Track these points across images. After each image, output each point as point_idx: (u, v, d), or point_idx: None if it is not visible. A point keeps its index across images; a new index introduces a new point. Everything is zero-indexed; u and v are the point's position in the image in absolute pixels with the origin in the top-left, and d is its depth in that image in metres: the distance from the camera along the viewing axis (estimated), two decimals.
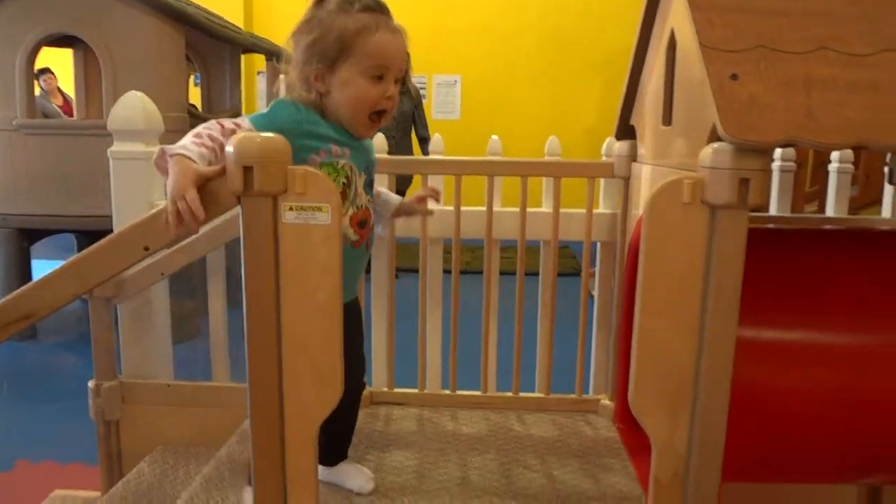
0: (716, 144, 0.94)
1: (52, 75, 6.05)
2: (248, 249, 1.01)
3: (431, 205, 1.50)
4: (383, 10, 1.20)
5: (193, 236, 1.71)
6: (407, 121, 4.71)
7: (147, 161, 1.74)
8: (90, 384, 1.80)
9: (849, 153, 1.89)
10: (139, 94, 1.83)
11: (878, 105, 0.93)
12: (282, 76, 1.32)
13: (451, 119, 7.53)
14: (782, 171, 1.88)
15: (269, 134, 0.99)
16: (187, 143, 1.03)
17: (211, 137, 1.06)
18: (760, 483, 1.51)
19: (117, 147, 1.79)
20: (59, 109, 5.88)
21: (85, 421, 1.83)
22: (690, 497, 1.04)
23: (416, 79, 7.34)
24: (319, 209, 1.00)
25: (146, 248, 1.07)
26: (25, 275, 3.82)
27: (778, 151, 2.01)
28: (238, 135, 0.99)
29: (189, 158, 1.00)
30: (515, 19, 7.32)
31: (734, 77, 0.96)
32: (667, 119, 1.30)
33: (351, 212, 1.21)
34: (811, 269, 1.21)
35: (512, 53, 7.34)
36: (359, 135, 1.23)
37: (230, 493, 1.39)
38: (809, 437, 1.20)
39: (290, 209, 1.00)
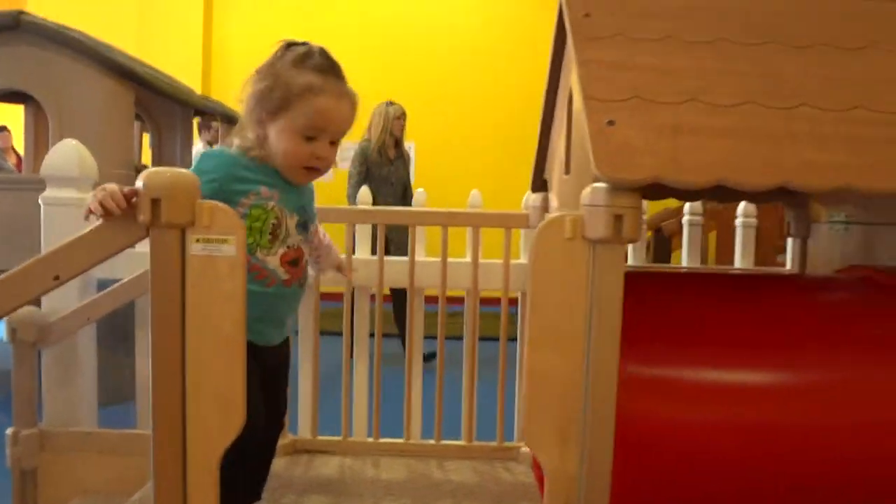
0: (594, 184, 1.02)
1: (7, 133, 6.05)
2: (156, 279, 1.06)
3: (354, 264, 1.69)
4: (334, 73, 1.25)
5: (118, 283, 1.73)
6: (406, 187, 4.62)
7: (79, 208, 1.77)
8: (8, 432, 1.78)
9: (753, 208, 2.01)
10: (74, 141, 1.87)
11: (735, 148, 1.02)
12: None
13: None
14: (691, 224, 1.99)
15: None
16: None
17: None
18: None
19: (49, 193, 1.82)
20: (13, 167, 5.86)
21: (3, 473, 1.80)
22: None
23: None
24: (225, 241, 1.05)
25: (56, 278, 1.10)
26: None
27: (741, 207, 2.07)
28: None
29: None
30: (468, 86, 7.56)
31: (610, 123, 1.05)
32: (567, 168, 1.39)
33: (281, 251, 1.26)
34: (700, 310, 1.29)
35: (464, 120, 7.56)
36: (295, 183, 1.29)
37: None
38: (706, 474, 1.25)
39: (197, 241, 1.05)
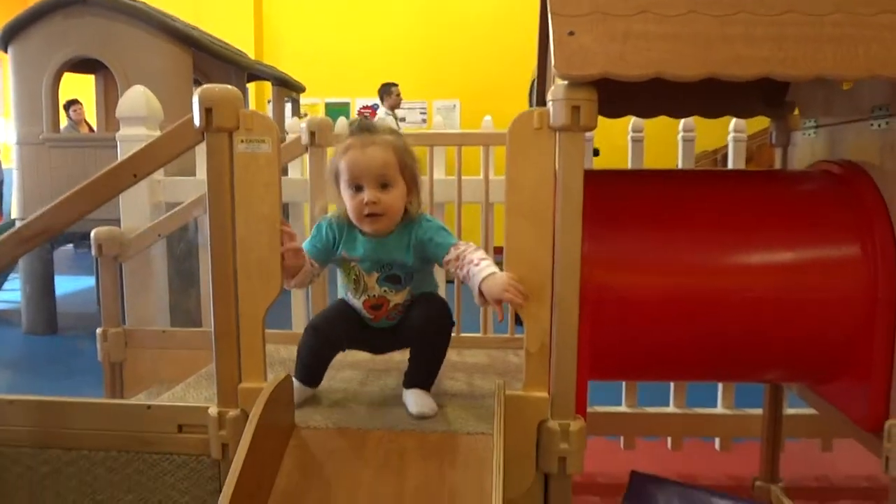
0: (555, 82, 1.25)
1: (80, 106, 6.49)
2: (211, 174, 1.33)
3: None
4: (365, 130, 1.41)
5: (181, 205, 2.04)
6: None
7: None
8: (98, 331, 2.12)
9: (743, 123, 2.18)
10: (142, 87, 2.18)
11: (675, 48, 1.23)
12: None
13: None
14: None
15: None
16: None
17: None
18: (627, 380, 1.79)
19: (124, 132, 2.14)
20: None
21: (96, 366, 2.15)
22: (554, 363, 1.32)
23: (416, 104, 7.78)
24: (263, 141, 1.32)
25: (134, 175, 1.39)
26: (48, 278, 4.19)
27: (732, 123, 2.24)
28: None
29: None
30: (510, 40, 7.69)
31: (571, 34, 1.27)
32: (550, 83, 1.61)
33: (364, 298, 1.49)
34: (657, 199, 1.51)
35: (507, 75, 7.71)
36: (368, 232, 1.44)
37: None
38: (661, 339, 1.48)
39: (241, 141, 1.32)
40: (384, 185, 1.38)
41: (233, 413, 1.36)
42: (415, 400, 1.42)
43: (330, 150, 2.08)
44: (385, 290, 1.48)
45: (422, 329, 1.46)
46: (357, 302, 1.50)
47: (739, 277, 1.45)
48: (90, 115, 6.13)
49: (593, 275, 1.40)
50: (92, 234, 2.09)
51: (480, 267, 1.35)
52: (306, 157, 1.98)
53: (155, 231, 2.10)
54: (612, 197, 1.49)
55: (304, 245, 1.46)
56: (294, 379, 1.45)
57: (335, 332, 1.50)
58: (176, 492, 1.46)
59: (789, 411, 2.17)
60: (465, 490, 1.23)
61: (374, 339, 1.55)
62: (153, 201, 2.23)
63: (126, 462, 1.46)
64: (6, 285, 5.15)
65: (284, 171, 2.33)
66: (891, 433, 1.34)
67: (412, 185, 1.42)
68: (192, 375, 2.08)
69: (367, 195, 1.38)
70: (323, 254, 1.48)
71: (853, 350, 1.45)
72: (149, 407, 1.46)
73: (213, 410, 1.38)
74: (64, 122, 5.55)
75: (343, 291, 1.56)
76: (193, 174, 2.43)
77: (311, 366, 1.49)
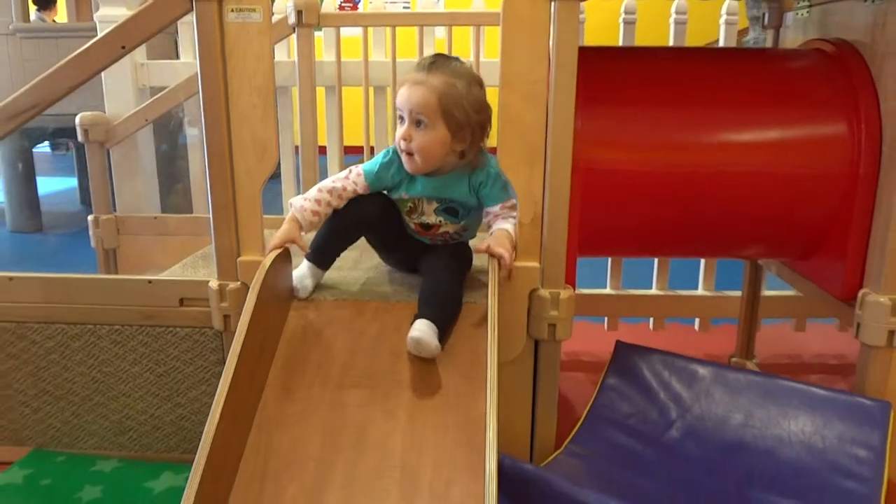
0: None
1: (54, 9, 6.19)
2: (202, 46, 1.32)
3: None
4: (424, 69, 1.37)
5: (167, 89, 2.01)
6: None
7: None
8: (90, 218, 2.13)
9: (736, 6, 2.16)
10: None
11: None
12: None
13: None
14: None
15: None
16: (308, 205, 1.40)
17: (331, 197, 1.42)
18: (615, 255, 1.85)
19: (103, 12, 2.08)
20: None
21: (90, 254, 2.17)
22: (545, 235, 1.36)
23: None
24: (254, 10, 1.30)
25: (123, 47, 1.37)
26: (29, 173, 4.14)
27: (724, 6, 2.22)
28: None
29: (296, 221, 1.40)
30: None
31: None
32: None
33: (416, 221, 1.47)
34: (648, 78, 1.52)
35: None
36: (412, 172, 1.42)
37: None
38: (647, 213, 1.53)
39: (232, 10, 1.30)
40: (418, 124, 1.36)
41: (233, 285, 1.40)
42: (419, 326, 1.27)
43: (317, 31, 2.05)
44: (440, 220, 1.47)
45: (440, 269, 1.42)
46: (409, 220, 1.48)
47: (724, 153, 1.48)
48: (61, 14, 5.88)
49: (583, 150, 1.43)
50: (77, 118, 2.06)
51: (507, 223, 1.41)
52: (293, 38, 1.94)
53: (141, 116, 2.08)
54: (604, 73, 1.49)
55: (365, 167, 1.46)
56: (305, 261, 1.44)
57: (362, 211, 1.46)
58: (180, 362, 1.52)
59: (766, 293, 2.26)
60: (460, 351, 1.29)
61: (408, 240, 1.52)
62: (138, 86, 2.18)
63: (130, 335, 1.51)
64: None
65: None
66: (863, 301, 1.41)
67: (459, 134, 1.38)
68: (181, 260, 2.12)
69: (403, 130, 1.38)
70: (376, 184, 1.45)
71: (832, 225, 1.50)
72: (150, 281, 1.49)
73: (213, 283, 1.42)
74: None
75: None
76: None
77: (326, 246, 1.45)
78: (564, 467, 1.37)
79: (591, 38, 2.03)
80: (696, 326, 2.32)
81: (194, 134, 2.22)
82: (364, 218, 1.46)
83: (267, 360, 1.28)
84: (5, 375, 1.56)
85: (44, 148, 8.17)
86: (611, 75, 1.52)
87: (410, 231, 1.51)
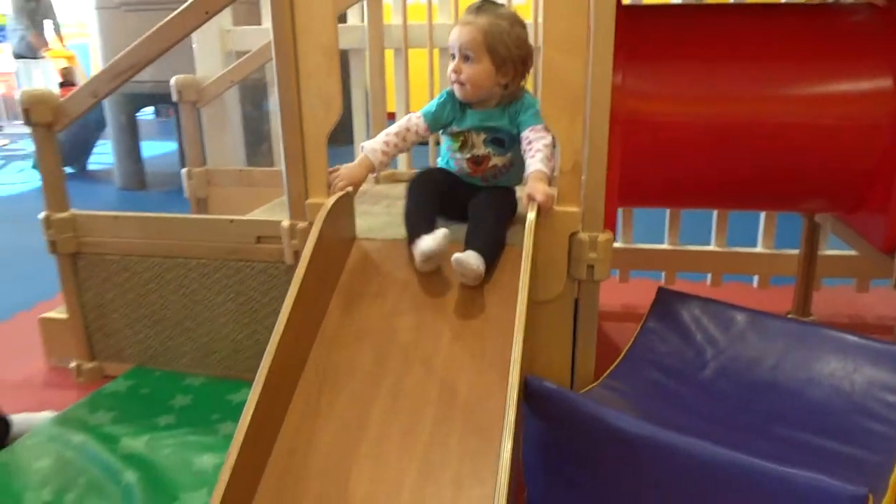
0: None
1: None
2: (274, 9, 1.47)
3: None
4: (472, 11, 1.53)
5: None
6: None
7: None
8: (183, 171, 2.36)
9: None
10: None
11: None
12: None
13: None
14: None
15: None
16: (378, 146, 1.58)
17: (397, 138, 1.60)
18: (660, 206, 1.91)
19: None
20: None
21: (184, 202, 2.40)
22: (586, 181, 1.46)
23: None
24: None
25: (206, 13, 1.54)
26: (134, 135, 4.50)
27: None
28: None
29: (368, 160, 1.56)
30: None
31: None
32: None
33: (468, 156, 1.60)
34: (693, 32, 1.57)
35: None
36: (471, 103, 1.57)
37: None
38: (691, 165, 1.59)
39: None
40: (466, 59, 1.52)
41: (302, 224, 1.57)
42: (467, 255, 1.37)
43: None
44: (489, 151, 1.61)
45: (487, 206, 1.52)
46: (462, 158, 1.62)
47: (767, 105, 1.53)
48: None
49: (626, 103, 1.51)
50: (171, 81, 2.28)
51: (535, 159, 1.50)
52: (364, 2, 2.08)
53: (227, 78, 2.28)
54: (648, 30, 1.56)
55: (423, 110, 1.63)
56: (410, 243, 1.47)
57: (434, 188, 1.58)
58: (258, 293, 1.71)
59: (827, 252, 2.26)
60: (504, 287, 1.41)
61: (462, 193, 1.60)
62: (224, 51, 2.39)
63: (215, 269, 1.71)
64: (97, 149, 5.53)
65: (343, 19, 2.44)
66: None
67: (502, 67, 1.52)
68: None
69: (454, 65, 1.54)
70: (435, 125, 1.63)
71: (876, 178, 1.53)
72: (231, 221, 1.68)
73: (285, 223, 1.59)
74: None
75: (443, 159, 1.67)
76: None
77: (416, 222, 1.50)
78: (598, 398, 1.47)
79: None
80: (755, 284, 2.34)
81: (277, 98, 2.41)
82: (433, 179, 1.61)
83: (329, 288, 1.44)
84: (112, 302, 1.80)
85: (149, 115, 8.73)
86: (655, 32, 1.58)
87: (463, 176, 1.63)
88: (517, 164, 1.62)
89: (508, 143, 1.59)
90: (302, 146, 1.54)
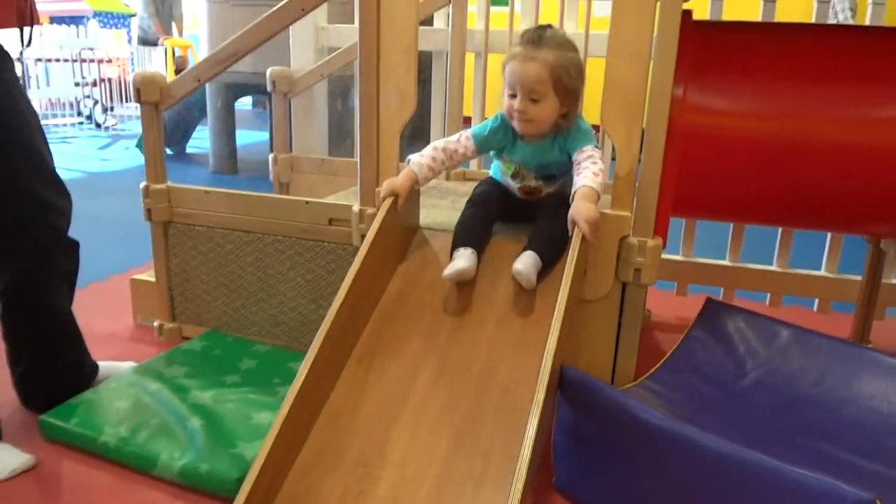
0: None
1: None
2: (362, 10, 1.59)
3: None
4: (532, 41, 1.45)
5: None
6: None
7: None
8: (270, 156, 2.53)
9: None
10: None
11: None
12: None
13: None
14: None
15: None
16: (424, 161, 1.55)
17: (444, 154, 1.57)
18: (713, 219, 1.93)
19: None
20: None
21: (268, 185, 2.57)
22: (639, 188, 1.52)
23: None
24: None
25: (302, 10, 1.68)
26: (230, 122, 4.78)
27: None
28: None
29: (412, 173, 1.53)
30: None
31: None
32: None
33: (519, 185, 1.62)
34: (771, 47, 1.61)
35: None
36: (525, 137, 1.55)
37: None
38: (751, 182, 1.63)
39: None
40: (534, 100, 1.47)
41: (370, 210, 1.69)
42: (525, 259, 1.44)
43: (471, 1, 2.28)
44: (541, 184, 1.61)
45: (551, 217, 1.53)
46: (513, 184, 1.64)
47: (830, 126, 1.55)
48: None
49: (686, 115, 1.56)
50: (267, 71, 2.46)
51: (581, 176, 1.47)
52: (451, 7, 2.19)
53: (318, 72, 2.44)
54: (716, 45, 1.61)
55: (474, 129, 1.60)
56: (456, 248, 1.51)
57: (491, 205, 1.61)
58: (326, 272, 1.84)
59: (893, 281, 2.23)
60: (553, 284, 1.48)
61: (515, 209, 1.66)
62: (317, 46, 2.55)
63: (289, 245, 1.85)
64: (196, 134, 5.88)
65: (430, 21, 2.56)
66: None
67: (566, 99, 1.48)
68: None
69: (517, 104, 1.48)
70: (484, 147, 1.60)
71: None
72: (307, 202, 1.82)
73: (355, 207, 1.71)
74: None
75: (496, 171, 1.69)
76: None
77: (467, 234, 1.53)
78: (633, 396, 1.53)
79: (730, 13, 2.10)
80: (815, 308, 2.33)
81: None
82: (491, 213, 1.61)
83: (389, 271, 1.55)
84: (195, 269, 1.97)
85: (247, 105, 9.15)
86: (724, 47, 1.63)
87: (517, 197, 1.65)
88: (569, 181, 1.59)
89: (560, 173, 1.60)
90: (377, 138, 1.66)
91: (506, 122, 1.56)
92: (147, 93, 1.86)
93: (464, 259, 1.46)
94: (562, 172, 1.60)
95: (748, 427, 1.45)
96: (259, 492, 1.09)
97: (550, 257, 1.50)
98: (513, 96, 1.49)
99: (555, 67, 1.45)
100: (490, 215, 1.61)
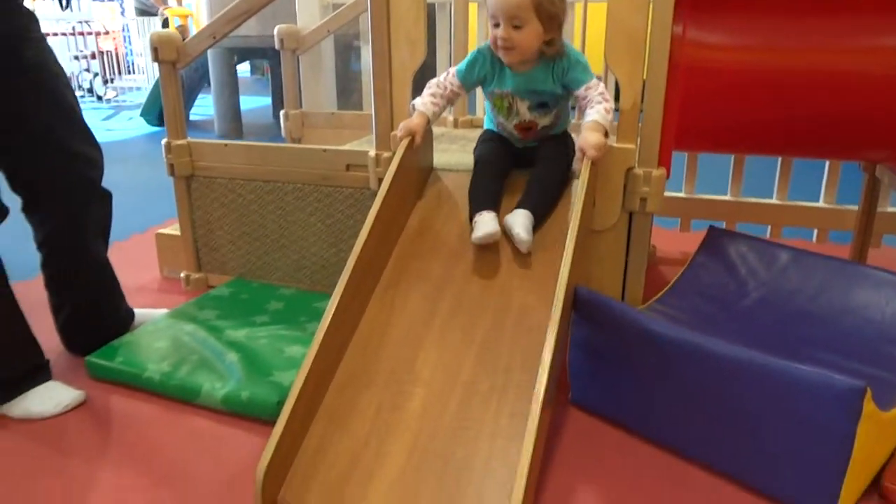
0: None
1: None
2: None
3: None
4: None
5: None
6: None
7: None
8: (281, 113, 2.60)
9: None
10: None
11: None
12: None
13: None
14: None
15: None
16: (427, 101, 1.59)
17: (440, 95, 1.60)
18: (716, 151, 2.01)
19: None
20: None
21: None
22: (643, 121, 1.60)
23: None
24: None
25: None
26: (234, 84, 4.82)
27: None
28: None
29: (423, 113, 1.58)
30: None
31: None
32: None
33: (515, 121, 1.64)
34: None
35: None
36: (513, 69, 1.55)
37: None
38: (749, 112, 1.69)
39: None
40: (516, 26, 1.47)
41: (386, 154, 1.77)
42: (521, 221, 1.47)
43: None
44: (535, 115, 1.62)
45: (545, 167, 1.60)
46: (508, 124, 1.66)
47: (828, 55, 1.62)
48: None
49: (686, 51, 1.63)
50: (275, 30, 2.52)
51: (592, 111, 1.51)
52: None
53: (325, 28, 2.49)
54: None
55: (458, 67, 1.62)
56: (483, 213, 1.51)
57: (496, 163, 1.64)
58: (345, 216, 1.93)
59: (889, 209, 2.31)
60: (562, 219, 1.56)
61: (516, 154, 1.70)
62: (322, 3, 2.60)
63: (308, 192, 1.94)
64: (198, 101, 5.92)
65: None
66: None
67: (549, 25, 1.49)
68: None
69: (500, 32, 1.49)
70: (471, 84, 1.63)
71: None
72: (325, 150, 1.90)
73: (371, 152, 1.79)
74: None
75: (490, 121, 1.72)
76: None
77: (480, 198, 1.56)
78: None
79: None
80: (814, 239, 2.41)
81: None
82: (499, 173, 1.64)
83: (408, 209, 1.63)
84: (219, 220, 2.06)
85: (244, 73, 9.15)
86: None
87: (516, 140, 1.68)
88: (563, 114, 1.65)
89: (553, 103, 1.61)
90: (389, 84, 1.73)
91: (490, 54, 1.57)
92: (164, 52, 1.93)
93: (486, 223, 1.48)
94: (555, 102, 1.61)
95: (751, 341, 1.54)
96: (302, 404, 1.19)
97: (543, 209, 1.54)
98: (496, 26, 1.50)
99: None
100: (497, 172, 1.63)
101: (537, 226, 1.52)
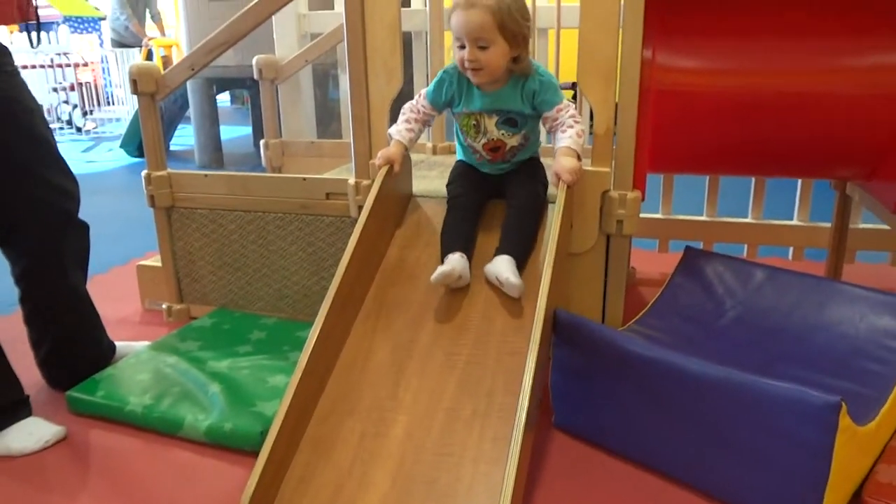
0: None
1: None
2: None
3: None
4: None
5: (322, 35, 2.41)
6: None
7: None
8: (261, 142, 2.62)
9: None
10: None
11: None
12: None
13: None
14: None
15: None
16: (402, 129, 1.61)
17: (413, 119, 1.62)
18: (691, 172, 2.05)
19: None
20: None
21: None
22: (617, 145, 1.63)
23: None
24: None
25: None
26: (213, 115, 4.84)
27: None
28: None
29: (399, 142, 1.59)
30: None
31: None
32: None
33: (483, 141, 1.64)
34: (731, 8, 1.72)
35: None
36: (482, 89, 1.56)
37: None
38: (720, 134, 1.73)
39: None
40: (482, 47, 1.47)
41: (366, 182, 1.79)
42: (506, 267, 1.45)
43: None
44: (503, 133, 1.60)
45: (519, 205, 1.59)
46: (477, 144, 1.65)
47: (788, 77, 1.67)
48: None
49: (657, 75, 1.67)
50: (254, 60, 2.54)
51: (565, 135, 1.52)
52: None
53: (302, 58, 2.52)
54: (682, 7, 1.71)
55: (427, 90, 1.64)
56: (452, 256, 1.50)
57: (468, 203, 1.63)
58: (326, 244, 1.94)
59: (862, 226, 2.35)
60: (542, 243, 1.58)
61: (488, 186, 1.69)
62: (300, 33, 2.63)
63: (289, 222, 1.95)
64: (178, 132, 5.93)
65: (407, 3, 2.65)
66: None
67: (514, 42, 1.48)
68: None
69: (466, 53, 1.48)
70: (441, 105, 1.63)
71: (892, 145, 1.65)
72: (304, 179, 1.91)
73: (351, 180, 1.81)
74: None
75: (461, 149, 1.71)
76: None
77: (451, 241, 1.55)
78: None
79: None
80: (790, 256, 2.45)
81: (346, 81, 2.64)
82: (462, 201, 1.63)
83: (388, 235, 1.65)
84: (200, 250, 2.06)
85: (224, 103, 9.17)
86: (689, 9, 1.73)
87: (486, 166, 1.68)
88: (533, 137, 1.65)
89: (521, 122, 1.60)
90: (367, 112, 1.75)
91: (457, 74, 1.58)
92: (143, 84, 1.94)
93: (447, 263, 1.47)
94: (524, 121, 1.60)
95: (729, 359, 1.56)
96: (285, 433, 1.19)
97: (524, 250, 1.53)
98: (462, 47, 1.49)
99: (496, 11, 1.44)
100: (469, 211, 1.62)
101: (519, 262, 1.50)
